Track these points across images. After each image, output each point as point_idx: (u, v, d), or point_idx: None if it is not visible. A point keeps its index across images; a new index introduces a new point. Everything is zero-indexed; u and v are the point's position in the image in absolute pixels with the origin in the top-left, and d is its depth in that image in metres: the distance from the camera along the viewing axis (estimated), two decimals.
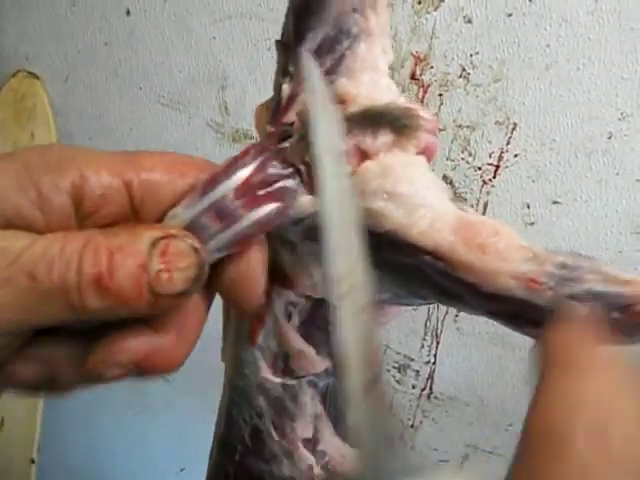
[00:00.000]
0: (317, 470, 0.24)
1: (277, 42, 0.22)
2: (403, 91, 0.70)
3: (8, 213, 0.19)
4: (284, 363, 0.24)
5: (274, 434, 0.24)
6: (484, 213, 0.72)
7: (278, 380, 0.24)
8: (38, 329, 0.20)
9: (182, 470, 1.06)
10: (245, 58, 0.75)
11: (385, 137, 0.21)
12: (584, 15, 0.60)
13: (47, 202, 0.20)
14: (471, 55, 0.66)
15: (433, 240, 0.19)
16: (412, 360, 0.83)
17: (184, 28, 0.77)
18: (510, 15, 0.63)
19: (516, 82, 0.65)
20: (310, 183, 0.20)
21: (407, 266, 0.20)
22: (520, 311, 0.19)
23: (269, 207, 0.20)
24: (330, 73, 0.21)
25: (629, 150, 0.64)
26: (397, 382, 0.85)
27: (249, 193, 0.19)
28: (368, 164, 0.21)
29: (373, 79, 0.21)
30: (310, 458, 0.24)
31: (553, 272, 0.19)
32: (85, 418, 1.05)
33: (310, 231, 0.21)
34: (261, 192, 0.20)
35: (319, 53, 0.21)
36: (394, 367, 0.84)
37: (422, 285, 0.21)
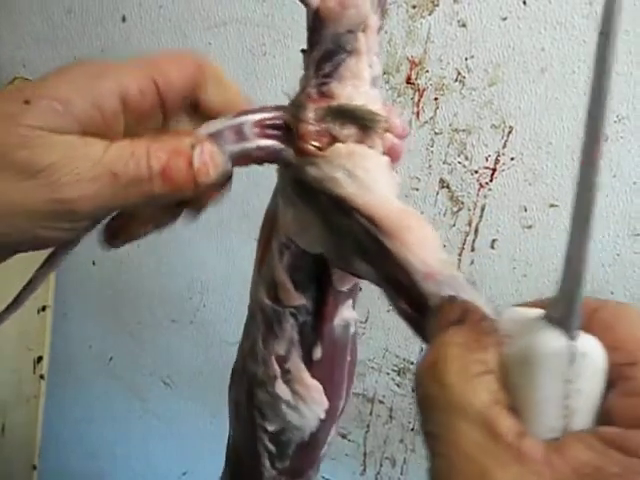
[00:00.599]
0: (280, 382, 0.30)
1: (302, 50, 0.28)
2: (399, 95, 0.70)
3: (81, 117, 0.24)
4: (274, 291, 0.30)
5: (261, 345, 0.31)
6: (481, 216, 0.72)
7: (269, 303, 0.30)
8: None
9: (184, 474, 1.06)
10: (240, 64, 0.75)
11: (350, 130, 0.27)
12: (579, 18, 0.60)
13: (103, 105, 0.25)
14: (466, 59, 0.66)
15: (372, 209, 0.25)
16: (412, 364, 0.83)
17: (180, 34, 0.77)
18: (505, 19, 0.63)
19: (512, 85, 0.65)
20: (293, 143, 0.27)
21: (344, 226, 0.26)
22: (407, 289, 0.24)
23: (271, 142, 0.27)
24: (327, 76, 0.27)
25: (626, 153, 0.64)
26: (397, 385, 0.85)
27: (262, 128, 0.27)
28: (338, 145, 0.26)
29: (356, 85, 0.27)
30: (277, 370, 0.30)
31: (446, 278, 0.23)
32: (86, 424, 1.05)
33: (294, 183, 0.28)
34: (270, 132, 0.27)
35: (322, 60, 0.27)
36: (394, 370, 0.84)
37: (351, 244, 0.26)
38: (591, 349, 0.18)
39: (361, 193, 0.25)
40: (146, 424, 1.03)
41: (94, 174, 0.24)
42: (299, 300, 0.29)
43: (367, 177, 0.25)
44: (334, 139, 0.27)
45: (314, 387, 0.30)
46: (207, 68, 0.28)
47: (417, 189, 0.74)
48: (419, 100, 0.69)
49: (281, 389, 0.30)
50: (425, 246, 0.24)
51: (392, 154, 0.27)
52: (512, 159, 0.68)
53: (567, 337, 0.17)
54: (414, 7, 0.66)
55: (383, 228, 0.24)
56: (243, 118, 0.27)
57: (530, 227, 0.71)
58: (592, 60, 0.62)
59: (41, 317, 0.91)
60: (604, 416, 0.17)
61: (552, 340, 0.18)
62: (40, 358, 0.93)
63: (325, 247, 0.27)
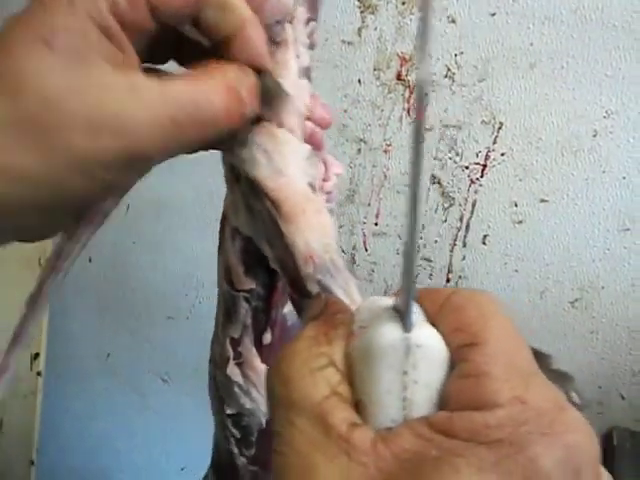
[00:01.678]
0: (232, 365, 0.31)
1: None
2: (389, 92, 0.70)
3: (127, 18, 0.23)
4: (229, 275, 0.30)
5: (220, 328, 0.32)
6: (472, 212, 0.72)
7: (226, 287, 0.31)
8: None
9: (182, 469, 1.07)
10: None
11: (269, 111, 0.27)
12: (567, 13, 0.60)
13: (109, 30, 0.23)
14: (456, 55, 0.66)
15: (277, 193, 0.26)
16: None
17: None
18: (494, 15, 0.63)
19: (501, 81, 0.65)
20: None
21: (258, 210, 0.27)
22: (292, 272, 0.25)
23: None
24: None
25: (615, 147, 0.64)
26: None
27: None
28: (264, 123, 0.27)
29: (283, 75, 0.27)
30: (230, 353, 0.31)
31: (324, 262, 0.25)
32: (84, 419, 1.06)
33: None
34: None
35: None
36: None
37: (262, 227, 0.27)
38: (426, 340, 0.17)
39: (274, 177, 0.26)
40: (145, 420, 1.04)
41: (153, 122, 0.23)
42: (249, 284, 0.30)
43: (282, 162, 0.26)
44: (259, 118, 0.27)
45: (263, 372, 0.31)
46: None
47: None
48: (409, 96, 0.69)
49: (233, 372, 0.31)
50: (314, 230, 0.25)
51: (313, 142, 0.27)
52: (502, 155, 0.68)
53: (404, 329, 0.17)
54: (403, 3, 0.66)
55: (281, 211, 0.25)
56: None
57: (521, 222, 0.71)
58: (581, 55, 0.61)
59: None
60: (442, 401, 0.17)
61: (389, 332, 0.17)
62: (37, 355, 0.93)
63: (249, 231, 0.28)
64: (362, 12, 0.68)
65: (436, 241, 0.75)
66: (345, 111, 0.73)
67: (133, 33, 0.24)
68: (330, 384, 0.17)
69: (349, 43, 0.70)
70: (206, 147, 0.26)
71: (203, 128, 0.24)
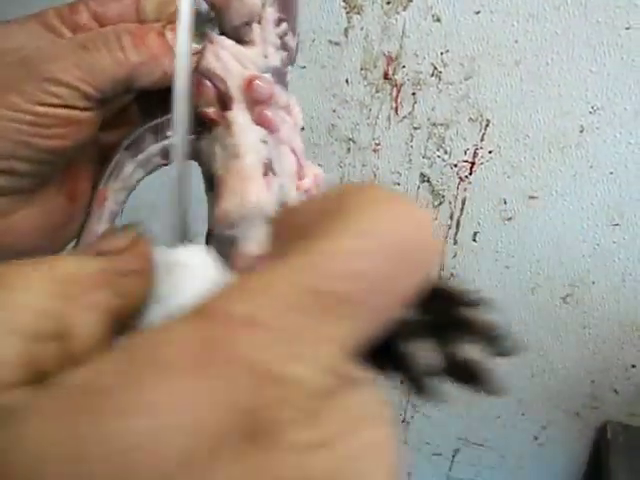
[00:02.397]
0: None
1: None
2: (377, 91, 0.70)
3: None
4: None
5: None
6: (462, 209, 0.73)
7: None
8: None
9: None
10: None
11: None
12: (550, 10, 0.60)
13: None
14: (442, 53, 0.66)
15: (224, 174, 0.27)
16: None
17: None
18: (478, 12, 0.63)
19: (487, 79, 0.65)
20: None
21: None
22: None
23: None
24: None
25: (601, 143, 0.64)
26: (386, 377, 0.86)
27: None
28: (228, 113, 0.27)
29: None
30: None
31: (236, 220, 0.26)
32: None
33: None
34: None
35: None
36: None
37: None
38: (186, 259, 0.18)
39: (230, 164, 0.27)
40: None
41: (66, 50, 0.25)
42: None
43: (234, 145, 0.27)
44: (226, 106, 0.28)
45: None
46: None
47: (398, 184, 0.74)
48: (397, 95, 0.70)
49: None
50: (233, 194, 0.26)
51: (263, 123, 0.28)
52: (490, 152, 0.68)
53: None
54: (388, 3, 0.66)
55: (218, 184, 0.26)
56: (161, 119, 0.29)
57: (510, 219, 0.71)
58: (565, 51, 0.61)
59: None
60: None
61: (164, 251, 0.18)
62: None
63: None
64: (348, 13, 0.68)
65: None
66: (334, 111, 0.73)
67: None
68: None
69: (336, 43, 0.70)
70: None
71: (114, 57, 0.25)
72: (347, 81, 0.71)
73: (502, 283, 0.75)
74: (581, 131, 0.64)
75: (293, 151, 0.29)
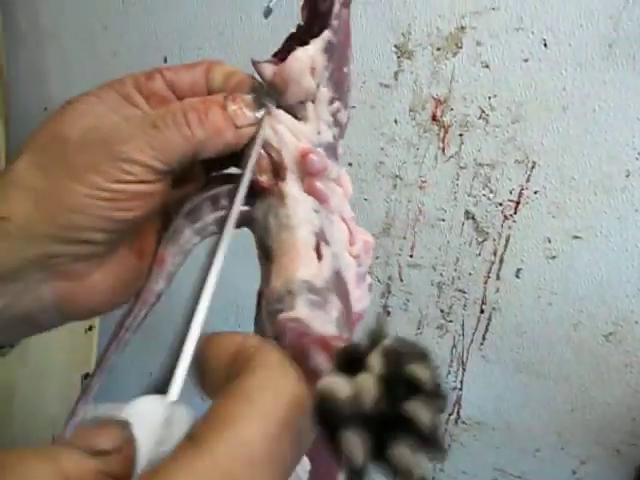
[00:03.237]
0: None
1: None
2: (425, 131, 0.73)
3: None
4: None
5: None
6: (506, 246, 0.74)
7: None
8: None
9: None
10: None
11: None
12: (599, 60, 0.62)
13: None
14: (489, 98, 0.68)
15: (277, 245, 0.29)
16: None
17: None
18: (526, 60, 0.65)
19: (534, 123, 0.67)
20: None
21: None
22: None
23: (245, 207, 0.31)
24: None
25: None
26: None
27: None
28: (281, 184, 0.29)
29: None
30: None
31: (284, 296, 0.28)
32: None
33: None
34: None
35: None
36: None
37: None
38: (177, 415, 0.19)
39: (282, 236, 0.28)
40: None
41: (139, 130, 0.27)
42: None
43: (286, 215, 0.28)
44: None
45: None
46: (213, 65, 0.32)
47: (443, 220, 0.76)
48: (444, 136, 0.72)
49: None
50: (283, 269, 0.28)
51: (314, 194, 0.29)
52: (536, 192, 0.70)
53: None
54: (439, 49, 0.69)
55: (271, 259, 0.28)
56: (218, 189, 0.31)
57: (554, 257, 0.72)
58: (612, 99, 0.63)
59: (88, 336, 0.97)
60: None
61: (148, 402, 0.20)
62: (87, 375, 0.98)
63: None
64: (399, 57, 0.71)
65: (470, 274, 0.77)
66: (382, 149, 0.76)
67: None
68: None
69: (386, 86, 0.73)
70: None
71: (181, 134, 0.27)
72: (396, 121, 0.74)
73: (544, 319, 0.76)
74: (627, 175, 0.66)
75: (343, 220, 0.31)
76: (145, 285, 0.31)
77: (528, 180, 0.70)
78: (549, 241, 0.72)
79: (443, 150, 0.73)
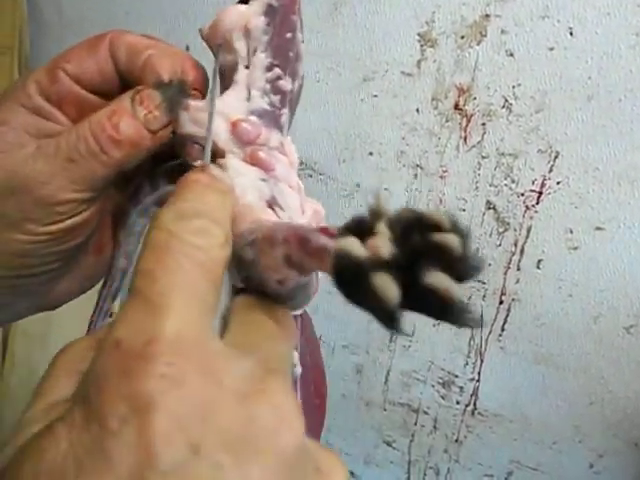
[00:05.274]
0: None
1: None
2: (447, 120, 0.73)
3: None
4: None
5: None
6: (527, 237, 0.74)
7: None
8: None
9: None
10: None
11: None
12: (625, 49, 0.62)
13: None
14: (513, 87, 0.68)
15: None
16: (456, 377, 0.85)
17: None
18: (552, 49, 0.65)
19: (558, 112, 0.67)
20: None
21: None
22: None
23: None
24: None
25: None
26: (442, 397, 0.88)
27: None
28: (220, 160, 0.28)
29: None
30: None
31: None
32: None
33: None
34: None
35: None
36: (439, 383, 0.87)
37: None
38: None
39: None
40: None
41: (56, 168, 0.26)
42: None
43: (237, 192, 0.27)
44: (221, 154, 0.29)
45: None
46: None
47: (464, 210, 0.76)
48: (467, 125, 0.72)
49: None
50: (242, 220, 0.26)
51: (257, 163, 0.28)
52: (558, 183, 0.70)
53: None
54: (462, 37, 0.68)
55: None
56: (156, 170, 0.30)
57: (576, 249, 0.72)
58: (639, 88, 0.62)
59: None
60: None
61: None
62: None
63: None
64: (422, 46, 0.71)
65: (490, 264, 0.77)
66: (403, 138, 0.76)
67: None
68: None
69: (408, 74, 0.73)
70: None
71: (101, 161, 0.26)
72: (417, 110, 0.74)
73: (564, 311, 0.75)
74: None
75: (291, 188, 0.30)
76: (111, 264, 0.32)
77: (551, 170, 0.70)
78: (571, 232, 0.71)
79: (465, 139, 0.73)
